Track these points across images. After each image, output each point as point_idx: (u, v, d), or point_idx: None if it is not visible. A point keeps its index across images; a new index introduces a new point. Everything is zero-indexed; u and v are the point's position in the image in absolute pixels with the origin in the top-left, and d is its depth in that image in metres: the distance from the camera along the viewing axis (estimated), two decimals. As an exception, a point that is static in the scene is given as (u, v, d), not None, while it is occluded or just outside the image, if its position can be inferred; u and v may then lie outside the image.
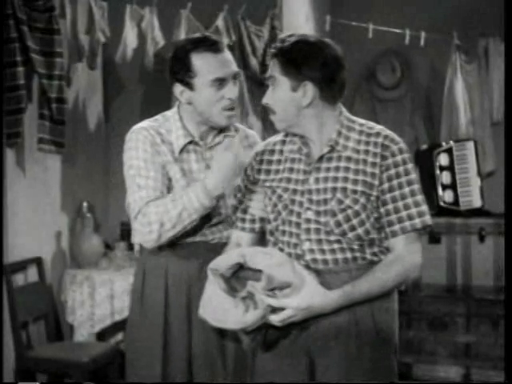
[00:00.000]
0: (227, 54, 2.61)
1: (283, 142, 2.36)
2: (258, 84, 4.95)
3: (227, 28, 4.94)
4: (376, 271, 2.19)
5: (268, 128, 5.00)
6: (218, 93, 2.56)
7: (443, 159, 5.05)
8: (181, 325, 2.64)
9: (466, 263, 4.89)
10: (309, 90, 2.20)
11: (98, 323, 4.59)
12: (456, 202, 5.02)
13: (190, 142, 2.64)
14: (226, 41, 4.91)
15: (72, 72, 4.86)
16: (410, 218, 2.20)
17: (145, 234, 2.52)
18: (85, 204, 4.97)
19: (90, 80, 5.25)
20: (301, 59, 2.19)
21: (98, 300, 4.59)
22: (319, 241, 2.22)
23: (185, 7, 4.92)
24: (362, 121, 2.30)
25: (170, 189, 2.61)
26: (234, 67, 2.61)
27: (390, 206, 2.20)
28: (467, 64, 5.36)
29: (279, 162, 2.34)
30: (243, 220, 2.42)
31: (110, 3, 4.92)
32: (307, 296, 2.12)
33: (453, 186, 5.04)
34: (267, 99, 2.28)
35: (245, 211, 2.42)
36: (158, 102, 5.11)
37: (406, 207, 2.20)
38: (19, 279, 4.44)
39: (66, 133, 4.58)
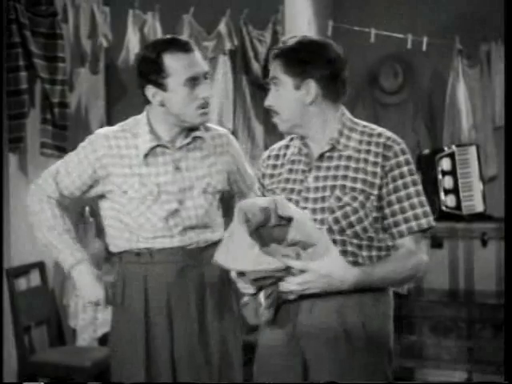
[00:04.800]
0: (197, 54, 2.62)
1: (287, 147, 2.38)
2: (260, 89, 4.95)
3: (229, 33, 4.95)
4: (391, 260, 2.20)
5: (270, 132, 5.01)
6: (192, 92, 2.57)
7: (445, 164, 5.05)
8: (163, 330, 2.65)
9: (469, 268, 4.88)
10: (312, 87, 2.22)
11: (100, 328, 4.59)
12: (458, 206, 5.02)
13: (157, 146, 2.64)
14: (228, 45, 4.94)
15: (74, 77, 4.87)
16: (416, 218, 2.21)
17: (29, 200, 2.76)
18: (87, 209, 4.98)
19: (93, 84, 5.25)
20: (304, 57, 2.21)
21: (101, 304, 4.58)
22: None
23: (187, 12, 4.93)
24: (364, 123, 2.32)
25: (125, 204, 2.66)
26: (205, 66, 2.63)
27: (396, 207, 2.21)
28: (469, 68, 5.37)
29: (282, 165, 2.35)
30: None
31: (113, 8, 4.93)
32: (329, 264, 2.10)
33: (455, 191, 5.03)
34: (270, 101, 2.29)
35: None
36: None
37: (412, 207, 2.21)
38: (22, 284, 4.45)
39: (69, 137, 4.58)
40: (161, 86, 2.57)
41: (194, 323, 2.68)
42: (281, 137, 5.22)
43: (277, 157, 2.38)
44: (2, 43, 4.14)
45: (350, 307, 2.20)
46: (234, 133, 4.48)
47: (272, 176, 2.36)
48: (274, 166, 2.37)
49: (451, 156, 5.06)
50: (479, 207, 5.04)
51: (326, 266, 2.10)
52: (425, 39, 5.18)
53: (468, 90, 5.34)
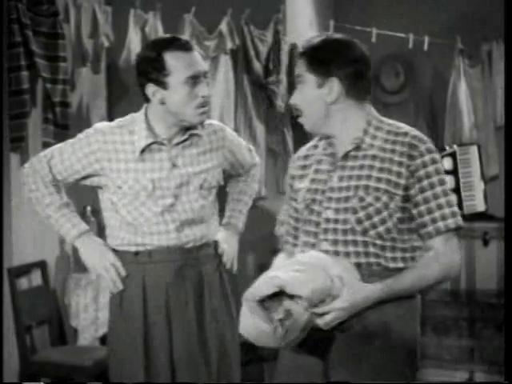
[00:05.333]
0: (197, 53, 2.64)
1: (315, 147, 2.37)
2: (261, 88, 4.95)
3: (231, 32, 4.95)
4: (418, 267, 2.18)
5: (271, 131, 5.01)
6: (192, 91, 2.58)
7: (447, 163, 5.05)
8: (161, 330, 2.66)
9: (470, 267, 4.88)
10: (334, 86, 2.21)
11: (101, 327, 4.58)
12: (460, 206, 5.00)
13: (153, 143, 2.65)
14: (229, 45, 4.93)
15: (76, 76, 4.87)
16: (444, 218, 2.18)
17: (24, 179, 2.78)
18: (88, 208, 4.97)
19: (94, 84, 5.25)
20: (327, 56, 2.21)
21: (102, 304, 4.58)
22: (335, 242, 2.21)
23: (188, 12, 4.93)
24: (391, 121, 2.31)
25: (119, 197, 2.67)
26: (205, 66, 2.67)
27: (423, 208, 2.18)
28: (470, 68, 5.37)
29: (310, 166, 2.34)
30: (296, 237, 2.37)
31: (114, 8, 4.93)
32: (349, 296, 2.11)
33: (456, 190, 5.03)
34: (294, 99, 2.29)
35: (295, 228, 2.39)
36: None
37: (439, 207, 2.18)
38: (23, 283, 4.45)
39: (70, 137, 4.57)
40: (161, 84, 2.58)
41: (193, 323, 2.69)
42: (282, 136, 5.23)
43: (305, 157, 2.37)
44: (3, 43, 4.15)
45: (373, 307, 2.17)
46: (235, 132, 4.47)
47: (301, 177, 2.35)
48: (304, 167, 2.36)
49: (452, 155, 5.06)
50: (480, 207, 5.04)
51: (347, 299, 2.10)
52: (426, 39, 5.18)
53: (469, 89, 5.34)
